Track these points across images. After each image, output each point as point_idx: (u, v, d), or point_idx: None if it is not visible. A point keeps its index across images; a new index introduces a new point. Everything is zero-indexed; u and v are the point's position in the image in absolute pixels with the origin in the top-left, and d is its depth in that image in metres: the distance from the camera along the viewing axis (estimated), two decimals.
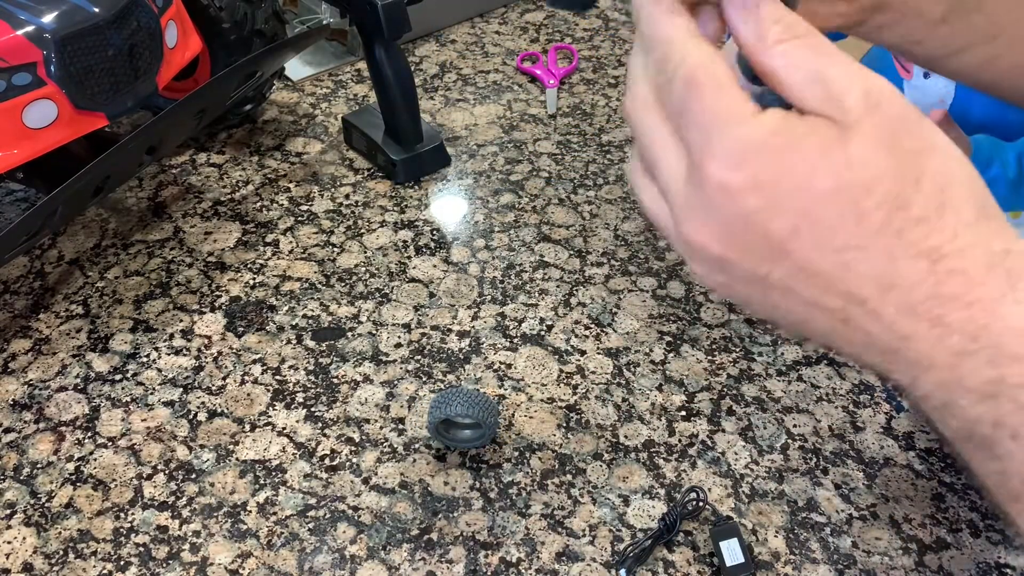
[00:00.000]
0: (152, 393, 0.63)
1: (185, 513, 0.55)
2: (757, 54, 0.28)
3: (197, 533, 0.54)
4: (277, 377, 0.64)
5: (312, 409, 0.62)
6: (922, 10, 0.46)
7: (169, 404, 0.62)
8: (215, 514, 0.55)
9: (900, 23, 0.47)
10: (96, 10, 0.62)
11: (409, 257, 0.74)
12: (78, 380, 0.64)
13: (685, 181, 0.28)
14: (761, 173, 0.27)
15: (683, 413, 0.62)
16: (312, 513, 0.56)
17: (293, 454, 0.59)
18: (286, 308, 0.69)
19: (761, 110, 0.27)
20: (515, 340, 0.67)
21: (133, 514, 0.55)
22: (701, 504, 0.55)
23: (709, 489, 0.57)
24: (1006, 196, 0.70)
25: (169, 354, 0.66)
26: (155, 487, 0.57)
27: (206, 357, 0.65)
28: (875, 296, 0.27)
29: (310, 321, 0.68)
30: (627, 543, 0.54)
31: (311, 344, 0.67)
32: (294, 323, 0.68)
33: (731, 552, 0.52)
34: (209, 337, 0.67)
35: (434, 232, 0.77)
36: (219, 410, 0.62)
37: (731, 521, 0.55)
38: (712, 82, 0.27)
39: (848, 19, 0.46)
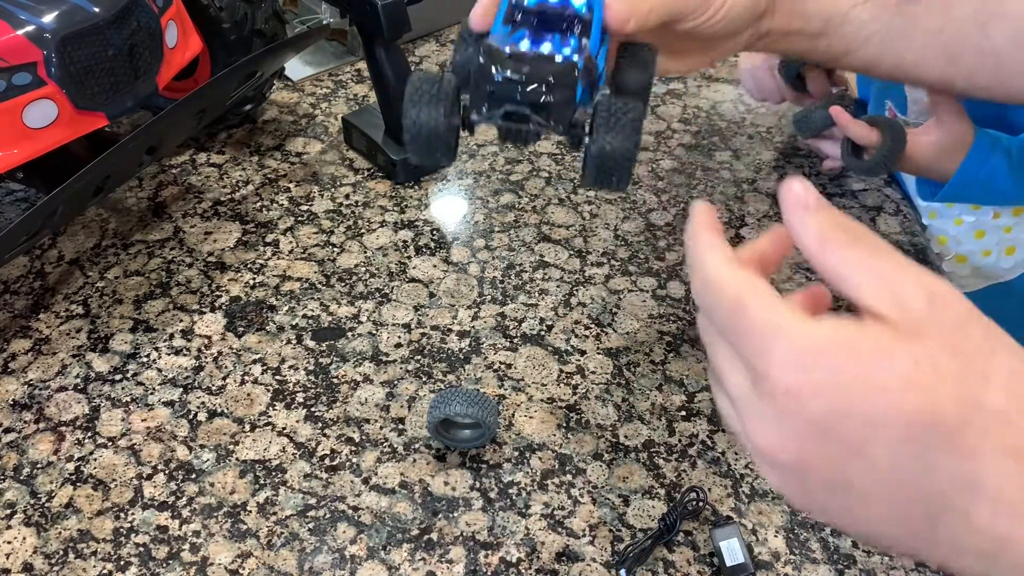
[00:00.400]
0: (152, 393, 0.63)
1: (185, 513, 0.55)
2: (818, 256, 0.29)
3: (197, 533, 0.54)
4: (277, 377, 0.64)
5: (312, 409, 0.62)
6: (803, 29, 0.54)
7: (169, 404, 0.62)
8: (215, 514, 0.55)
9: (783, 41, 0.54)
10: (96, 10, 0.62)
11: (409, 257, 0.74)
12: (78, 380, 0.64)
13: (750, 391, 0.29)
14: (825, 376, 0.27)
15: (683, 413, 0.62)
16: (312, 513, 0.56)
17: (293, 454, 0.59)
18: (286, 308, 0.69)
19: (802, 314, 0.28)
20: (515, 340, 0.67)
21: (133, 514, 0.55)
22: (701, 504, 0.55)
23: (709, 489, 0.57)
24: (1007, 188, 0.70)
25: (169, 354, 0.66)
26: (155, 487, 0.57)
27: (206, 357, 0.65)
28: (963, 498, 0.26)
29: (310, 321, 0.68)
30: (627, 543, 0.54)
31: (311, 344, 0.67)
32: (294, 323, 0.68)
33: (731, 552, 0.52)
34: (209, 337, 0.67)
35: (434, 232, 0.77)
36: (219, 410, 0.62)
37: (731, 521, 0.55)
38: (757, 299, 0.29)
39: (741, 47, 0.54)
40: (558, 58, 0.41)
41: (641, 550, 0.53)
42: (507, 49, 0.41)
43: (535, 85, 0.40)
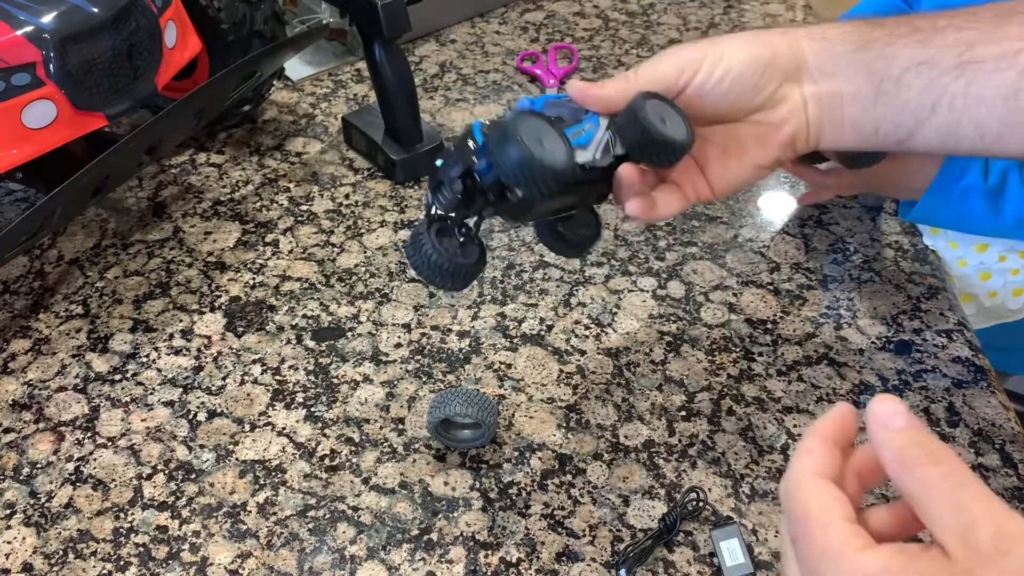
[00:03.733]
0: (152, 393, 0.63)
1: (185, 513, 0.55)
2: (897, 475, 0.30)
3: (197, 533, 0.54)
4: (277, 377, 0.64)
5: (312, 409, 0.62)
6: (854, 93, 0.48)
7: (169, 404, 0.62)
8: (215, 514, 0.55)
9: (839, 111, 0.48)
10: (95, 10, 0.62)
11: None
12: (78, 380, 0.64)
13: None
14: None
15: (683, 413, 0.62)
16: (312, 513, 0.56)
17: (293, 454, 0.59)
18: (286, 308, 0.69)
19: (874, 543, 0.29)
20: (515, 340, 0.67)
21: (133, 514, 0.55)
22: (701, 504, 0.55)
23: (709, 489, 0.57)
24: (981, 209, 0.68)
25: (169, 354, 0.66)
26: (155, 487, 0.57)
27: (206, 357, 0.65)
28: None
29: (310, 321, 0.68)
30: (627, 543, 0.54)
31: (311, 344, 0.66)
32: (294, 323, 0.68)
33: (731, 552, 0.52)
34: (209, 337, 0.67)
35: None
36: (219, 410, 0.62)
37: (731, 522, 0.55)
38: (821, 517, 0.30)
39: (800, 130, 0.49)
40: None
41: (641, 550, 0.53)
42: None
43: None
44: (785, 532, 0.32)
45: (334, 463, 0.58)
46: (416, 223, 0.55)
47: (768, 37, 0.48)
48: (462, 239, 0.46)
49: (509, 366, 0.65)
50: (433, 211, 0.46)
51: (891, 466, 0.30)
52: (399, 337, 0.67)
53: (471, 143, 0.44)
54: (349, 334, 0.67)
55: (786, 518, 0.32)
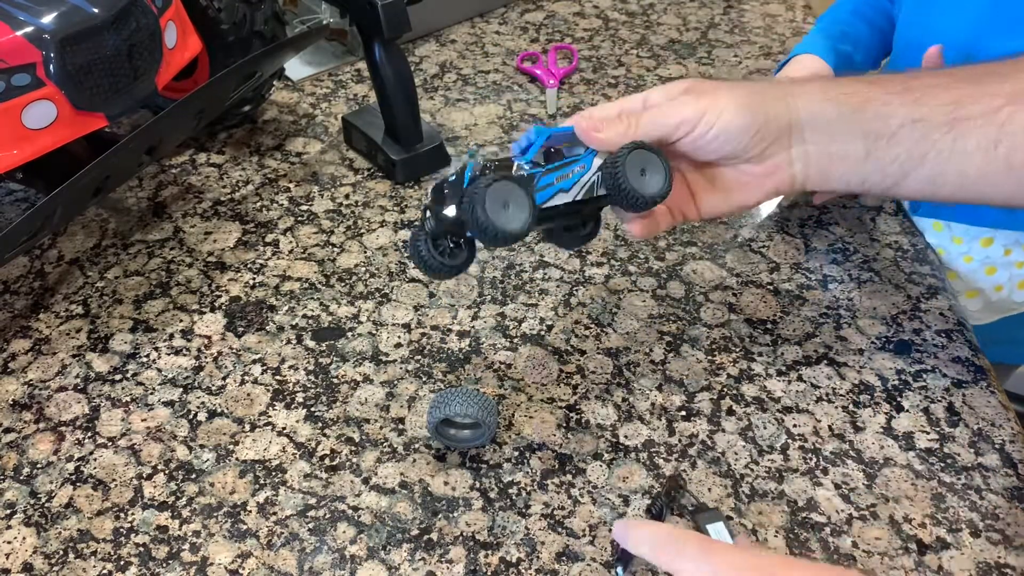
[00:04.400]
0: (152, 393, 0.63)
1: (185, 513, 0.55)
2: (655, 558, 0.40)
3: (197, 533, 0.54)
4: (277, 377, 0.64)
5: (312, 409, 0.62)
6: (845, 152, 0.52)
7: (169, 404, 0.62)
8: (215, 514, 0.55)
9: (828, 168, 0.53)
10: (95, 11, 0.62)
11: (409, 257, 0.74)
12: (78, 380, 0.64)
13: None
14: None
15: (683, 413, 0.62)
16: (312, 513, 0.56)
17: (293, 454, 0.59)
18: (286, 308, 0.69)
19: None
20: (515, 340, 0.67)
21: (133, 514, 0.55)
22: (681, 491, 0.56)
23: (709, 489, 0.57)
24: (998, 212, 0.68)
25: (169, 354, 0.66)
26: (155, 487, 0.57)
27: (206, 357, 0.65)
28: None
29: (310, 321, 0.68)
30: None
31: (311, 344, 0.67)
32: (294, 323, 0.68)
33: (719, 535, 0.52)
34: (209, 337, 0.67)
35: None
36: (219, 410, 0.62)
37: (713, 509, 0.55)
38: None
39: (782, 182, 0.55)
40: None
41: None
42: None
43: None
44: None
45: (334, 463, 0.58)
46: (415, 224, 0.57)
47: (764, 100, 0.52)
48: (452, 246, 0.53)
49: (509, 366, 0.65)
50: (426, 226, 0.52)
51: (650, 556, 0.40)
52: (399, 337, 0.67)
53: (459, 185, 0.51)
54: (349, 334, 0.67)
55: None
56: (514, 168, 0.51)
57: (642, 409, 0.62)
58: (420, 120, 0.82)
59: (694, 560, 0.38)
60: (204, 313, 0.69)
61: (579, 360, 0.65)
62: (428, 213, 0.52)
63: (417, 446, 0.59)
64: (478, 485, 0.57)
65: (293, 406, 0.62)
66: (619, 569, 0.52)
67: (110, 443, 0.59)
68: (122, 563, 0.53)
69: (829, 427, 0.61)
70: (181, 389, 0.63)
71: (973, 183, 0.52)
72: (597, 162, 0.52)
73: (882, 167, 0.52)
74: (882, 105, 0.51)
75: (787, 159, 0.53)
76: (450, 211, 0.50)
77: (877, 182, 0.53)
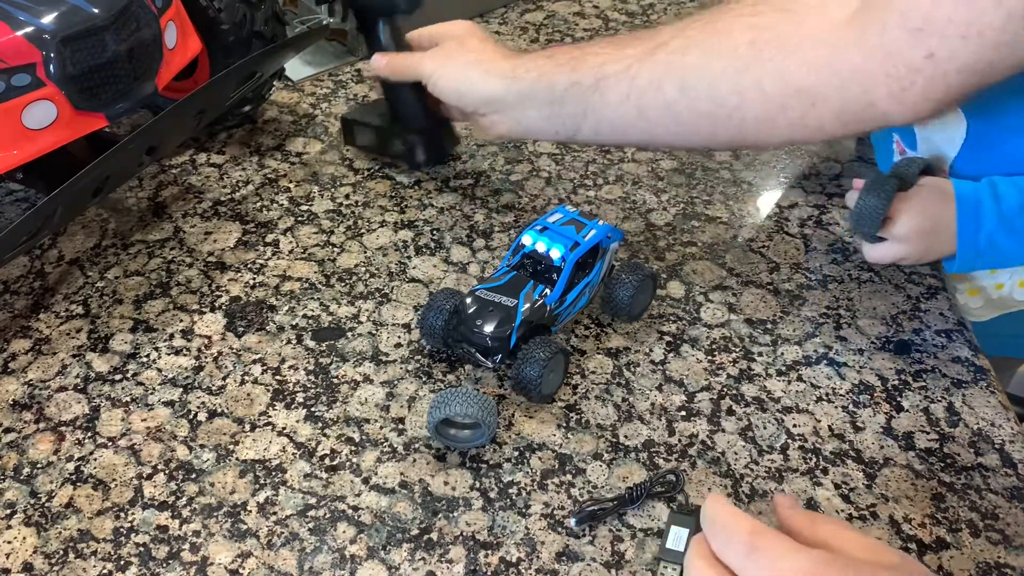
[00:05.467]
0: (152, 393, 0.63)
1: (185, 513, 0.55)
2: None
3: (197, 533, 0.54)
4: (277, 377, 0.64)
5: (312, 409, 0.62)
6: (531, 116, 0.70)
7: (169, 404, 0.62)
8: (215, 514, 0.55)
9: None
10: (95, 11, 0.62)
11: (409, 257, 0.74)
12: (78, 380, 0.64)
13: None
14: None
15: (683, 413, 0.62)
16: (312, 513, 0.56)
17: (293, 454, 0.59)
18: (286, 308, 0.69)
19: None
20: None
21: (133, 514, 0.55)
22: (674, 487, 0.56)
23: (709, 489, 0.57)
24: (1011, 245, 0.66)
25: (169, 354, 0.66)
26: (155, 487, 0.57)
27: (206, 357, 0.65)
28: None
29: (310, 321, 0.68)
30: (587, 499, 0.56)
31: (311, 344, 0.67)
32: (294, 323, 0.68)
33: (677, 538, 0.52)
34: (209, 337, 0.67)
35: (434, 232, 0.77)
36: (219, 410, 0.62)
37: (694, 514, 0.55)
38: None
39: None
40: (508, 303, 0.60)
41: (600, 509, 0.55)
42: (479, 294, 0.61)
43: (478, 330, 0.59)
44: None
45: (334, 463, 0.58)
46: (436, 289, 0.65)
47: (468, 75, 0.70)
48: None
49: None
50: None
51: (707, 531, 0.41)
52: (399, 337, 0.67)
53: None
54: (349, 334, 0.67)
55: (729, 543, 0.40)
56: (546, 312, 0.61)
57: (642, 409, 0.62)
58: (427, 102, 0.80)
59: (737, 555, 0.39)
60: (204, 313, 0.69)
61: (579, 360, 0.65)
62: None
63: (417, 446, 0.59)
64: (478, 485, 0.57)
65: (293, 406, 0.62)
66: (572, 520, 0.53)
67: (110, 443, 0.59)
68: (122, 563, 0.53)
69: (829, 427, 0.61)
70: (181, 389, 0.63)
71: (624, 131, 0.65)
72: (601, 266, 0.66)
73: (559, 124, 0.67)
74: (551, 75, 0.65)
75: (493, 120, 0.70)
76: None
77: (560, 131, 0.68)
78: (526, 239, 0.63)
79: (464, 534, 0.54)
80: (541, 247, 0.62)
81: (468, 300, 0.61)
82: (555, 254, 0.62)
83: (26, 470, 0.58)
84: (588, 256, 0.64)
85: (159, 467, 0.58)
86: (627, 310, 0.65)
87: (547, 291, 0.62)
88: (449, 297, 0.63)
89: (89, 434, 0.60)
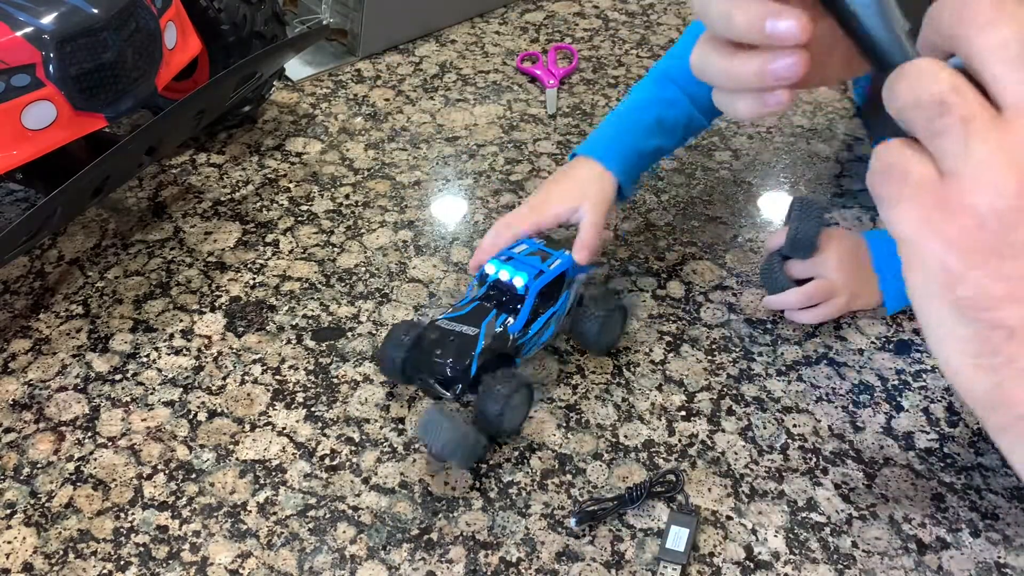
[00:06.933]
0: (152, 393, 0.63)
1: (185, 513, 0.55)
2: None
3: (197, 533, 0.54)
4: (277, 377, 0.64)
5: (312, 409, 0.62)
6: None
7: (169, 404, 0.62)
8: (215, 514, 0.55)
9: None
10: (95, 11, 0.62)
11: (409, 257, 0.74)
12: (78, 380, 0.64)
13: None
14: None
15: (683, 413, 0.62)
16: (312, 513, 0.56)
17: (293, 454, 0.59)
18: (286, 308, 0.69)
19: None
20: None
21: (133, 514, 0.55)
22: (673, 486, 0.56)
23: (709, 489, 0.57)
24: None
25: (169, 354, 0.66)
26: (155, 487, 0.57)
27: (206, 357, 0.65)
28: None
29: (310, 321, 0.68)
30: (587, 499, 0.56)
31: (311, 344, 0.67)
32: (294, 323, 0.68)
33: (676, 537, 0.53)
34: (209, 337, 0.67)
35: (434, 232, 0.77)
36: (219, 410, 0.62)
37: (694, 514, 0.55)
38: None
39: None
40: (469, 332, 0.58)
41: (601, 509, 0.54)
42: (441, 325, 0.59)
43: (439, 360, 0.57)
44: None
45: (334, 463, 0.58)
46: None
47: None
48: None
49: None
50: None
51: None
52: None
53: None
54: (349, 334, 0.67)
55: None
56: (508, 342, 0.59)
57: (642, 409, 0.62)
58: None
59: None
60: (204, 313, 0.69)
61: (579, 360, 0.65)
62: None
63: (417, 446, 0.59)
64: (478, 485, 0.57)
65: (293, 406, 0.62)
66: (572, 520, 0.53)
67: (110, 443, 0.59)
68: (122, 563, 0.53)
69: (829, 427, 0.61)
70: (181, 389, 0.63)
71: None
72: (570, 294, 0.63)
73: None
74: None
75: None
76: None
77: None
78: (489, 268, 0.61)
79: (464, 534, 0.54)
80: (504, 275, 0.60)
81: (428, 330, 0.59)
82: (518, 282, 0.60)
83: (26, 470, 0.58)
84: (553, 286, 0.62)
85: (159, 467, 0.58)
86: (595, 343, 0.64)
87: (510, 320, 0.60)
88: (408, 329, 0.60)
89: (89, 434, 0.60)
